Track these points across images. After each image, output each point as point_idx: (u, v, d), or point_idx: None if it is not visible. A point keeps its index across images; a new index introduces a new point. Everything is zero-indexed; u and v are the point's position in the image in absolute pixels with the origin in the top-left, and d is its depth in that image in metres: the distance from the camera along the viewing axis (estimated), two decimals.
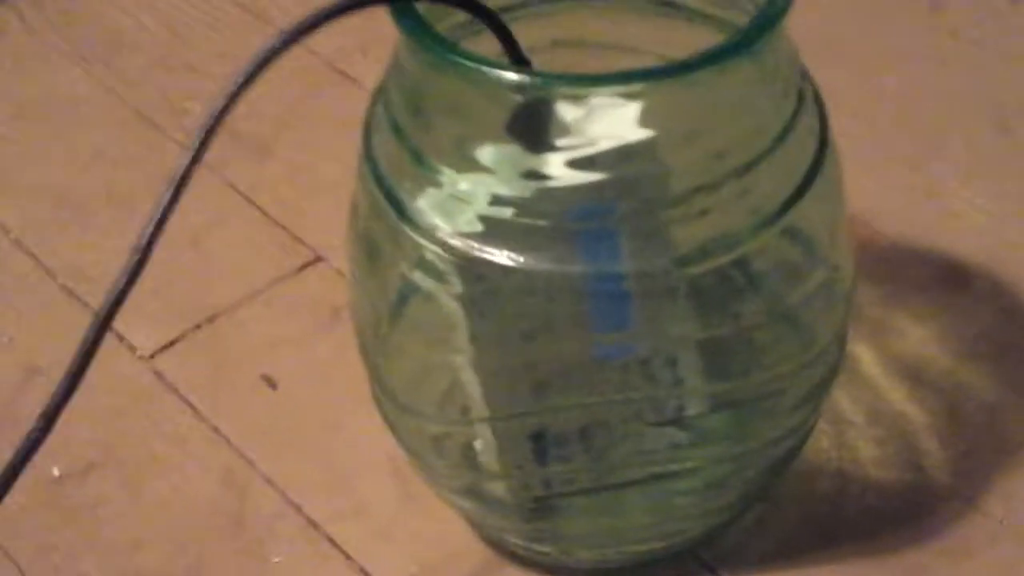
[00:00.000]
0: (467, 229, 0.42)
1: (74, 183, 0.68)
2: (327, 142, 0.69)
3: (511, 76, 0.40)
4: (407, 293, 0.46)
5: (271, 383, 0.58)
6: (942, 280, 0.61)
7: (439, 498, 0.51)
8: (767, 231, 0.42)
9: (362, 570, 0.51)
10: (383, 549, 0.52)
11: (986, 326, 0.59)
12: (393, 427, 0.49)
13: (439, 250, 0.43)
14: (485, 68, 0.40)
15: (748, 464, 0.48)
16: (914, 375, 0.57)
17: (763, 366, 0.46)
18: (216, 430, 0.56)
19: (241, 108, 0.64)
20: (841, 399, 0.56)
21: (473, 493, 0.49)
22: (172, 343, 0.60)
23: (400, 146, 0.43)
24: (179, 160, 0.41)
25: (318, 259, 0.63)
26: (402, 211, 0.43)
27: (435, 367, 0.47)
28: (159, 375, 0.58)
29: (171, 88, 0.73)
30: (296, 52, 0.41)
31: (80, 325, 0.58)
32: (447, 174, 0.42)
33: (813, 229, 0.44)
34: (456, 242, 0.42)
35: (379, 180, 0.44)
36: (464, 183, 0.42)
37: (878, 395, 0.56)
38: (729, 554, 0.51)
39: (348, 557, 0.51)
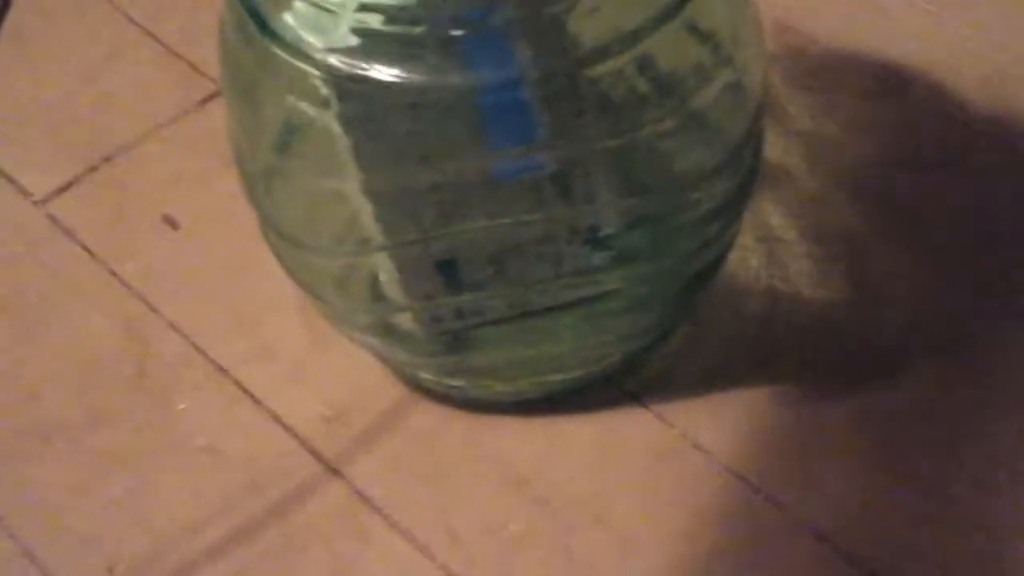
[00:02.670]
0: (340, 44, 0.39)
1: None
2: None
3: None
4: (288, 122, 0.42)
5: (173, 223, 0.55)
6: (879, 87, 0.58)
7: (349, 339, 0.48)
8: (666, 26, 0.39)
9: (272, 413, 0.49)
10: (293, 391, 0.49)
11: (925, 134, 0.56)
12: (291, 269, 0.47)
13: (313, 70, 0.39)
14: None
15: (667, 282, 0.46)
16: (850, 188, 0.54)
17: (674, 175, 0.44)
18: (115, 275, 0.53)
19: None
20: (771, 215, 0.53)
21: (381, 329, 0.46)
22: (68, 185, 0.56)
23: None
24: None
25: (220, 92, 0.59)
26: (267, 29, 0.40)
27: (328, 198, 0.44)
28: (54, 219, 0.55)
29: None
30: None
31: None
32: None
33: (716, 27, 0.41)
34: (331, 60, 0.39)
35: (250, 9, 0.40)
36: None
37: (811, 209, 0.54)
38: (654, 381, 0.49)
39: (257, 401, 0.49)
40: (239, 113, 0.44)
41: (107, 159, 0.57)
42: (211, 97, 0.59)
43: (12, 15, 0.63)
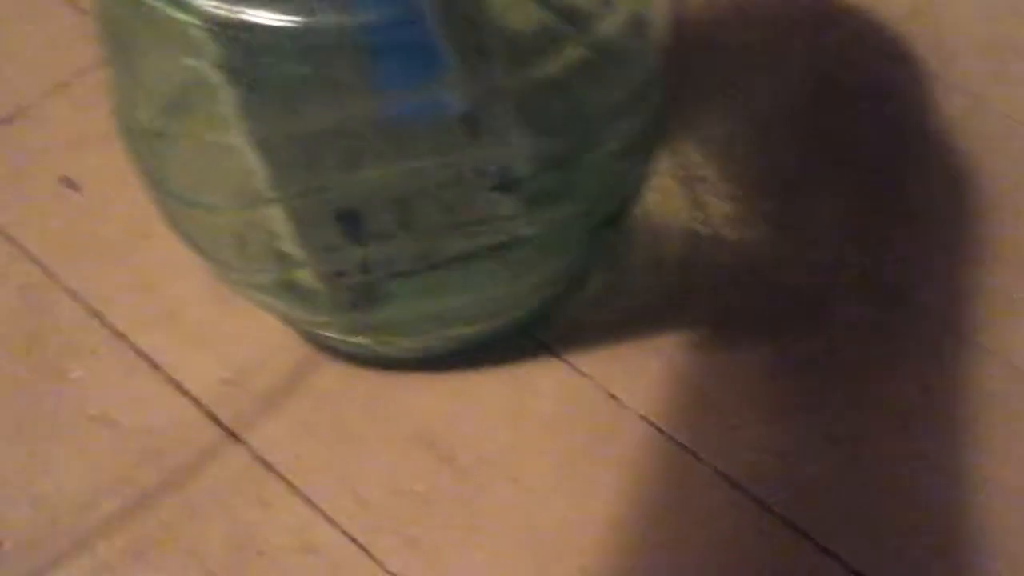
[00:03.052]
0: None
1: None
2: None
3: None
4: (170, 78, 0.40)
5: (73, 185, 0.53)
6: (806, 21, 0.55)
7: (250, 301, 0.46)
8: None
9: (171, 379, 0.47)
10: (193, 355, 0.47)
11: (852, 68, 0.54)
12: (184, 231, 0.44)
13: (194, 20, 0.37)
14: None
15: (579, 225, 0.44)
16: (775, 126, 0.52)
17: (582, 113, 0.42)
18: (12, 240, 0.51)
19: None
20: (692, 155, 0.51)
21: (283, 288, 0.44)
22: None
23: None
24: None
25: None
26: None
27: (220, 153, 0.42)
28: None
29: None
30: None
31: None
32: None
33: None
34: (212, 8, 0.37)
35: None
36: None
37: (735, 150, 0.52)
38: (568, 331, 0.47)
39: (156, 366, 0.47)
40: (119, 71, 0.42)
41: (5, 120, 0.55)
42: None
43: None
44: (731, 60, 0.54)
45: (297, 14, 0.36)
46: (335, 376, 0.46)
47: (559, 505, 0.43)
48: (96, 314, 0.48)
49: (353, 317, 0.45)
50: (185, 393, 0.46)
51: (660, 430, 0.44)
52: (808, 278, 0.48)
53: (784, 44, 0.55)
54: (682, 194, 0.50)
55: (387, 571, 0.42)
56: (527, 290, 0.46)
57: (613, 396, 0.45)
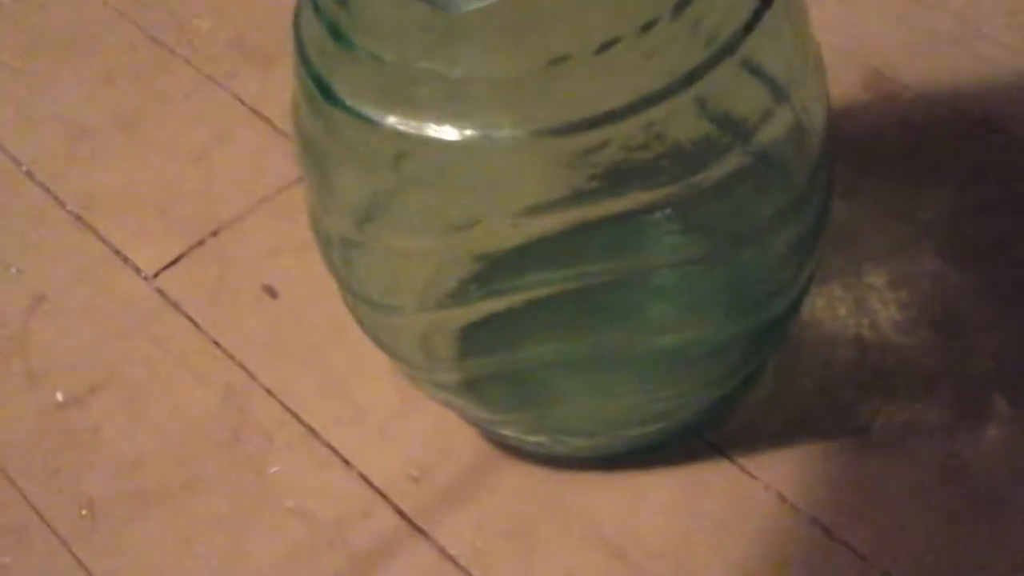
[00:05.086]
0: (422, 107, 0.40)
1: (84, 110, 0.67)
2: None
3: None
4: (362, 188, 0.44)
5: (272, 293, 0.57)
6: (969, 130, 0.56)
7: (433, 399, 0.49)
8: (724, 63, 0.39)
9: (360, 474, 0.50)
10: (381, 452, 0.50)
11: (1016, 174, 0.55)
12: (373, 332, 0.47)
13: (381, 135, 0.40)
14: None
15: (740, 329, 0.45)
16: (942, 232, 0.53)
17: (742, 220, 0.43)
18: (217, 344, 0.55)
19: (249, 21, 0.63)
20: (860, 263, 0.52)
21: (464, 387, 0.47)
22: (175, 261, 0.59)
23: (325, 28, 0.41)
24: None
25: None
26: (334, 97, 0.41)
27: (404, 258, 0.45)
28: (162, 293, 0.57)
29: (178, 6, 0.72)
30: None
31: (87, 250, 0.59)
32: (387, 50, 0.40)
33: (773, 65, 0.41)
34: (399, 124, 0.40)
35: (314, 76, 0.42)
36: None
37: (901, 256, 0.53)
38: (737, 433, 0.48)
39: (346, 462, 0.50)
40: (314, 185, 0.46)
41: (213, 233, 0.59)
42: None
43: (130, 102, 0.67)
44: (898, 168, 0.55)
45: (479, 128, 0.39)
46: (513, 473, 0.49)
47: None
48: (292, 412, 0.52)
49: (528, 416, 0.47)
50: (373, 487, 0.49)
51: (830, 533, 0.45)
52: (975, 384, 0.48)
53: (951, 150, 0.56)
54: (849, 301, 0.51)
55: None
56: (694, 391, 0.47)
57: (783, 498, 0.46)
